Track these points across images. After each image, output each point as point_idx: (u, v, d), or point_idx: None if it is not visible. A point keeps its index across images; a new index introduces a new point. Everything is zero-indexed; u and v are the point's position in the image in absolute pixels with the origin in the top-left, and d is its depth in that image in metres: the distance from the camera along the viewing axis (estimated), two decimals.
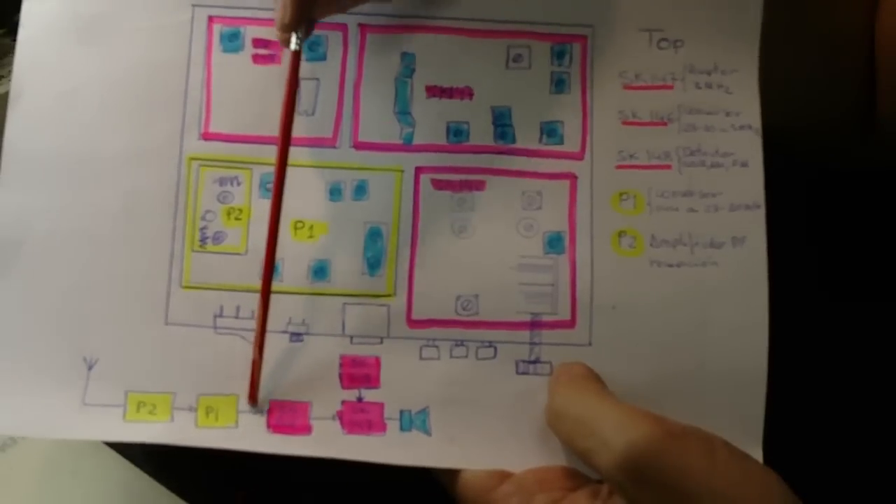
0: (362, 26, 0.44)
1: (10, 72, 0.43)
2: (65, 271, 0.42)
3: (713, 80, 0.43)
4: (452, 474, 0.40)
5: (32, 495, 0.46)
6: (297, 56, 0.40)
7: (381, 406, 0.41)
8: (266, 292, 0.40)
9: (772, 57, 0.43)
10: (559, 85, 0.43)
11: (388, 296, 0.42)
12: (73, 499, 0.46)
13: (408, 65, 0.43)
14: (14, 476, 0.46)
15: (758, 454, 0.40)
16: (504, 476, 0.40)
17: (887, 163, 0.49)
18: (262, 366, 0.40)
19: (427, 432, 0.41)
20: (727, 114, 0.43)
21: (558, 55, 0.44)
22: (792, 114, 0.44)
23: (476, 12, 0.44)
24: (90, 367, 0.41)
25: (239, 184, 0.43)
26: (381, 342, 0.42)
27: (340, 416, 0.41)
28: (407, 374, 0.41)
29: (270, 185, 0.42)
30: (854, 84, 0.48)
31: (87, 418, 0.40)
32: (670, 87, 0.43)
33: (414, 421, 0.41)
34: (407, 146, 0.43)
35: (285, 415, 0.41)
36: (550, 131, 0.43)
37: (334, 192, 0.43)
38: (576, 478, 0.39)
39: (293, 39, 0.40)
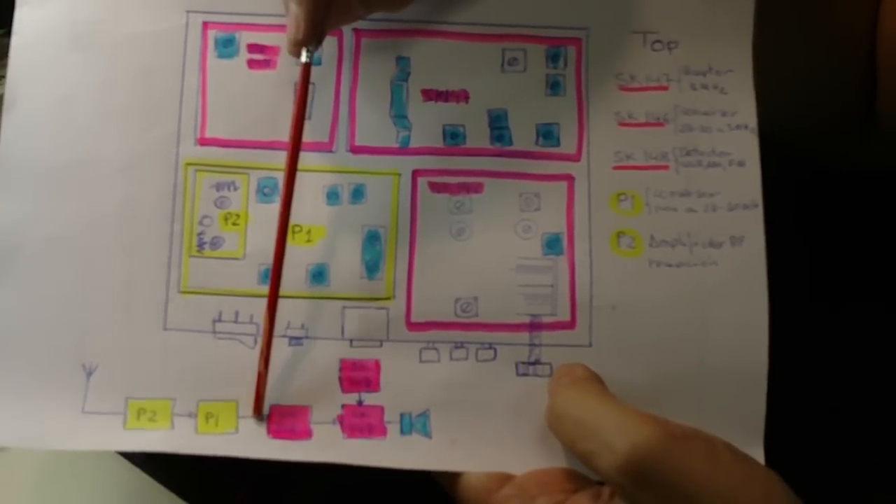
0: (357, 31, 0.44)
1: None
2: (62, 278, 0.41)
3: (708, 81, 0.43)
4: (453, 476, 0.40)
5: (32, 496, 0.46)
6: (307, 69, 0.40)
7: (381, 409, 0.41)
8: (272, 307, 0.40)
9: (772, 56, 0.43)
10: (555, 87, 0.43)
11: (387, 299, 0.42)
12: (73, 499, 0.46)
13: (403, 69, 0.43)
14: (14, 477, 0.46)
15: (759, 453, 0.40)
16: (505, 478, 0.39)
17: (887, 164, 0.49)
18: (267, 378, 0.40)
19: (428, 435, 0.41)
20: (723, 114, 0.43)
21: (553, 58, 0.44)
22: (792, 114, 0.44)
23: (471, 16, 0.44)
24: (89, 375, 0.41)
25: (236, 189, 0.42)
26: (381, 345, 0.41)
27: (341, 420, 0.41)
28: (407, 377, 0.41)
29: (268, 190, 0.42)
30: (854, 84, 0.48)
31: (86, 427, 0.40)
32: (666, 89, 0.43)
33: (414, 424, 0.41)
34: (403, 149, 0.43)
35: (285, 420, 0.40)
36: (547, 133, 0.43)
37: (332, 196, 0.43)
38: (577, 480, 0.39)
39: (304, 53, 0.40)
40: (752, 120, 0.43)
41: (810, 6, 0.46)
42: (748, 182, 0.42)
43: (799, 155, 0.49)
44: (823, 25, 0.47)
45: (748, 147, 0.43)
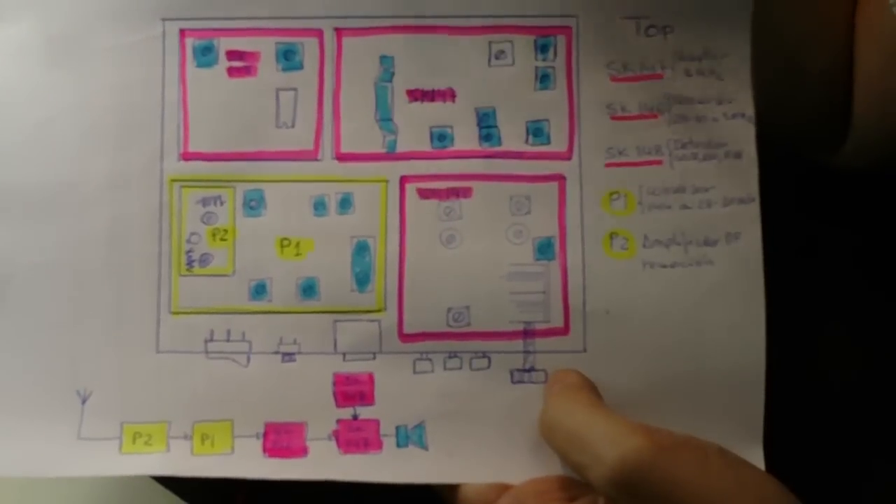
0: (338, 30, 0.42)
1: None
2: (53, 305, 0.41)
3: (704, 67, 0.42)
4: (451, 488, 0.40)
5: (31, 496, 0.46)
6: None
7: (376, 423, 0.41)
8: None
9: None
10: (544, 80, 0.42)
11: (379, 311, 0.41)
12: (72, 499, 0.46)
13: (387, 69, 0.42)
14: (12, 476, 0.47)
15: (759, 455, 0.39)
16: (502, 488, 0.40)
17: (860, 164, 0.48)
18: None
19: (424, 447, 0.41)
20: (719, 102, 0.42)
21: (542, 48, 0.42)
22: (762, 112, 0.42)
23: (456, 8, 0.42)
24: (84, 401, 0.41)
25: (222, 203, 0.42)
26: (374, 358, 0.41)
27: (336, 435, 0.41)
28: (401, 389, 0.41)
29: (254, 203, 0.42)
30: (830, 86, 0.47)
31: (83, 453, 0.40)
32: (660, 77, 0.42)
33: (410, 436, 0.41)
34: (390, 155, 0.42)
35: (281, 437, 0.41)
36: (536, 131, 0.42)
37: (319, 207, 0.42)
38: (574, 488, 0.39)
39: None
40: (749, 108, 0.41)
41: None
42: (744, 175, 0.41)
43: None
44: (797, 21, 0.45)
45: (745, 137, 0.41)
